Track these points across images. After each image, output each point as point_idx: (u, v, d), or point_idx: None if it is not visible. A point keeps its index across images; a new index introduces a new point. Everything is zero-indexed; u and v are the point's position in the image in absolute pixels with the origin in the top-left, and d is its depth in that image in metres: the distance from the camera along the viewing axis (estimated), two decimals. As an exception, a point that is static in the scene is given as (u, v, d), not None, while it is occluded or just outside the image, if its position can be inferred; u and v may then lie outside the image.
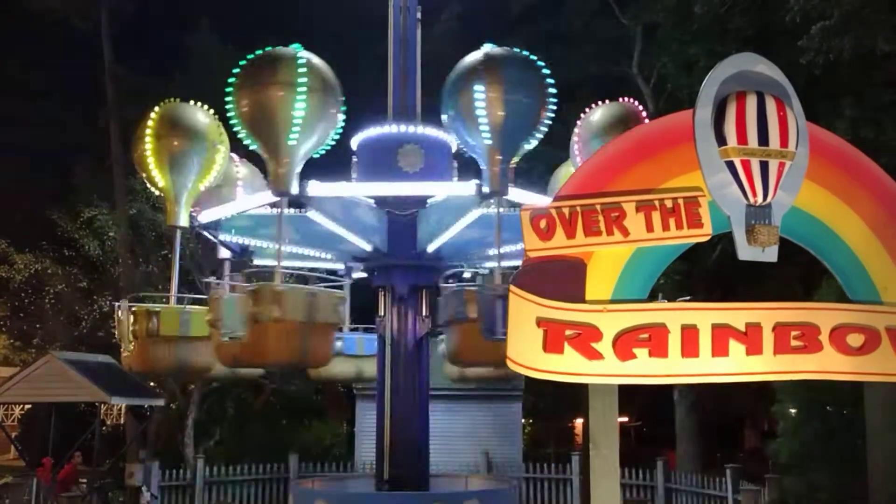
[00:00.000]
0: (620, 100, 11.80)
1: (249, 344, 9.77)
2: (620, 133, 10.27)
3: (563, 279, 6.01)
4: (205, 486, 18.79)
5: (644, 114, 11.64)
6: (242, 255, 13.64)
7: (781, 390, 18.15)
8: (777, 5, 17.88)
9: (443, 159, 11.92)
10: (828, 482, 15.80)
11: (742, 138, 6.31)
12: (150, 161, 11.07)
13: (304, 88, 9.62)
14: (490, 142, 9.67)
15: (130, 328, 10.77)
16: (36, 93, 34.44)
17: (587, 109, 11.97)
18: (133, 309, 10.90)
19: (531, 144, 10.11)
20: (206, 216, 11.83)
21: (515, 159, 10.05)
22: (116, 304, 10.90)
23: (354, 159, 12.33)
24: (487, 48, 9.95)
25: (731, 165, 6.32)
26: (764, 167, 6.32)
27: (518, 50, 10.02)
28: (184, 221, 11.35)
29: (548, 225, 6.06)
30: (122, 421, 29.75)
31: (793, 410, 18.18)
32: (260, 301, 9.65)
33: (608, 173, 6.33)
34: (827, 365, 6.40)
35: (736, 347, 6.16)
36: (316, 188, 10.55)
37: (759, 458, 24.13)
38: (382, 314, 12.41)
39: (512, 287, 5.96)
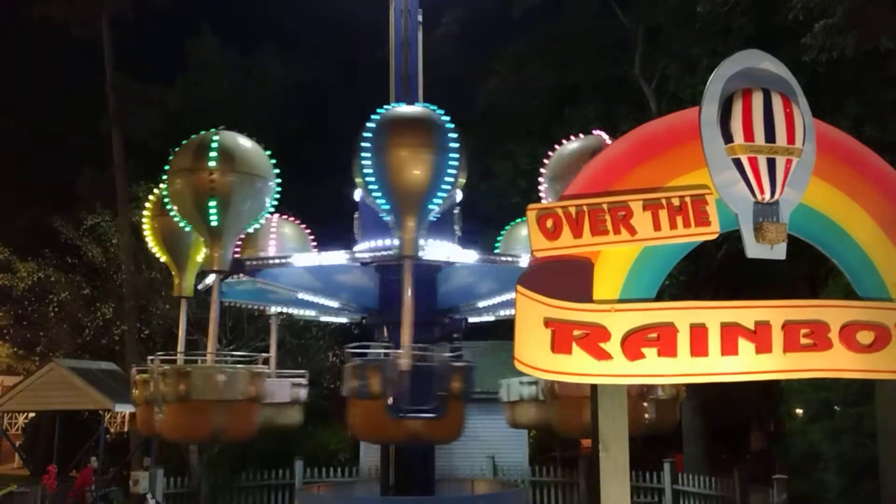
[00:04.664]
0: (593, 132, 11.33)
1: (164, 421, 9.89)
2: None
3: (570, 279, 5.94)
4: (210, 492, 18.75)
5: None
6: None
7: (788, 390, 18.09)
8: (779, 4, 17.83)
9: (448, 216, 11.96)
10: (836, 482, 15.72)
11: (749, 135, 6.24)
12: (150, 239, 11.78)
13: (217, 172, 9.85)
14: (400, 204, 9.35)
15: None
16: (37, 100, 34.43)
17: (558, 146, 11.52)
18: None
19: (440, 206, 9.78)
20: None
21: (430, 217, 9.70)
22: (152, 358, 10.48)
23: (356, 215, 12.27)
24: (395, 108, 9.76)
25: (737, 163, 6.25)
26: (771, 164, 6.25)
27: (431, 108, 9.77)
28: (189, 291, 11.86)
29: (554, 224, 5.99)
30: (126, 428, 29.70)
31: (800, 410, 18.12)
32: (166, 382, 9.68)
33: (614, 172, 6.26)
34: (837, 363, 6.31)
35: (745, 346, 6.08)
36: (250, 264, 11.10)
37: (766, 460, 24.02)
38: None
39: (519, 287, 5.87)
